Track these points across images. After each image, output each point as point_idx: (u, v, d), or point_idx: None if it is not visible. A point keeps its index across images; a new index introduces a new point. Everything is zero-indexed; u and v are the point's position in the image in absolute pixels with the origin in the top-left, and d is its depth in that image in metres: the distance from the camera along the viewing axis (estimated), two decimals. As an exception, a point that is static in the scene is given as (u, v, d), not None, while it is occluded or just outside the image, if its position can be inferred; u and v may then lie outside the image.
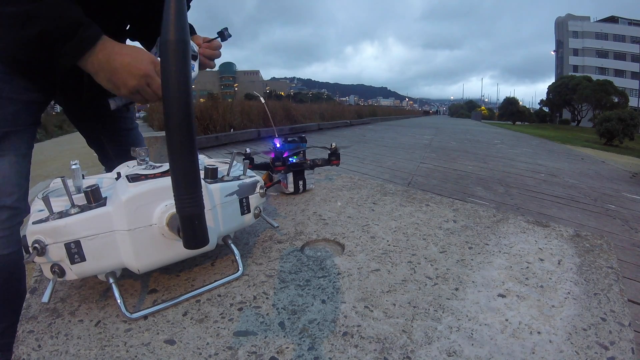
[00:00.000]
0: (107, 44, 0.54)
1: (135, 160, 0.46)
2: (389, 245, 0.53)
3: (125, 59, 0.54)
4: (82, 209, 0.35)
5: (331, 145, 0.76)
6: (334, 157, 0.76)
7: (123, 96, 0.56)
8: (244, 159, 0.67)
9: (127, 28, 0.79)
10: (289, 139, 0.71)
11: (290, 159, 0.71)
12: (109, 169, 0.60)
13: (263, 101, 0.81)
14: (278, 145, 0.69)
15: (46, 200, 0.34)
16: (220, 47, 0.71)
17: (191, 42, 0.63)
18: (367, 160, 3.97)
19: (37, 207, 0.37)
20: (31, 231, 0.33)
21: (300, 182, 0.74)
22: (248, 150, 0.69)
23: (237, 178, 0.46)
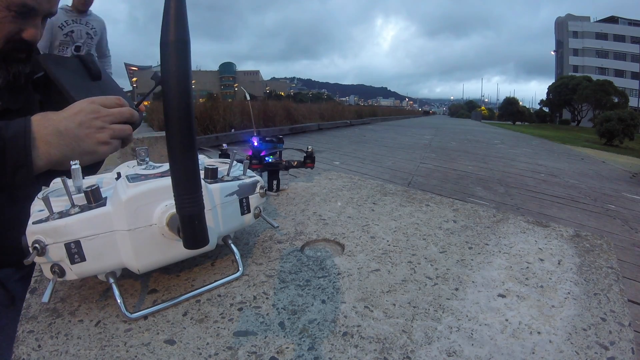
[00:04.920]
0: (43, 121, 0.46)
1: (135, 160, 0.46)
2: (389, 245, 0.53)
3: (64, 123, 0.47)
4: (82, 209, 0.35)
5: (307, 148, 0.77)
6: (309, 160, 0.77)
7: (103, 154, 0.52)
8: (220, 155, 0.67)
9: None
10: (267, 139, 0.72)
11: (266, 158, 0.71)
12: None
13: (248, 98, 0.78)
14: (256, 143, 0.70)
15: (46, 200, 0.34)
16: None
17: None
18: (367, 161, 3.97)
19: (37, 207, 0.37)
20: (31, 231, 0.33)
21: (275, 182, 0.75)
22: (225, 145, 0.69)
23: (237, 178, 0.46)
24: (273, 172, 0.74)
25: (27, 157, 0.44)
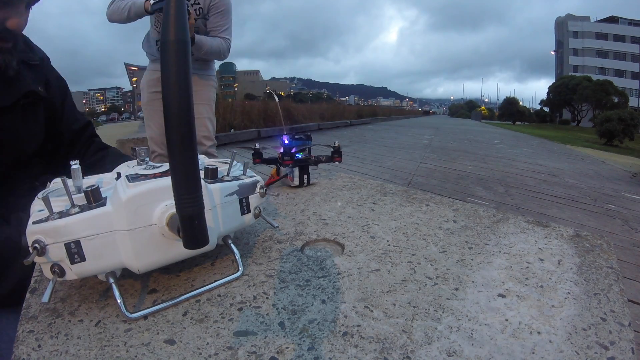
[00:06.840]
0: None
1: (135, 160, 0.46)
2: (389, 245, 0.53)
3: None
4: (82, 209, 0.35)
5: (334, 144, 0.83)
6: (336, 155, 0.83)
7: None
8: (253, 154, 0.75)
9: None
10: (296, 137, 0.79)
11: (297, 155, 0.78)
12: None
13: (277, 99, 0.89)
14: (286, 141, 0.77)
15: (46, 200, 0.34)
16: None
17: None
18: (367, 160, 3.97)
19: (37, 207, 0.37)
20: (31, 231, 0.33)
21: (305, 177, 0.81)
22: (257, 145, 0.77)
23: (237, 178, 0.46)
24: (303, 167, 0.80)
25: None
